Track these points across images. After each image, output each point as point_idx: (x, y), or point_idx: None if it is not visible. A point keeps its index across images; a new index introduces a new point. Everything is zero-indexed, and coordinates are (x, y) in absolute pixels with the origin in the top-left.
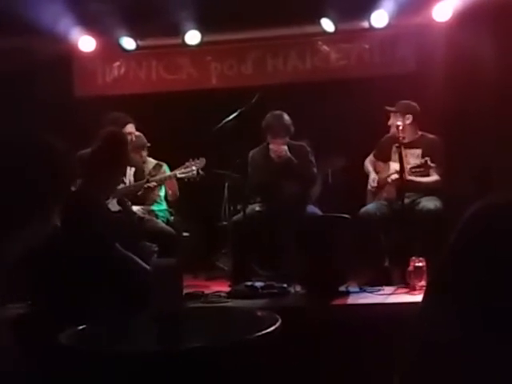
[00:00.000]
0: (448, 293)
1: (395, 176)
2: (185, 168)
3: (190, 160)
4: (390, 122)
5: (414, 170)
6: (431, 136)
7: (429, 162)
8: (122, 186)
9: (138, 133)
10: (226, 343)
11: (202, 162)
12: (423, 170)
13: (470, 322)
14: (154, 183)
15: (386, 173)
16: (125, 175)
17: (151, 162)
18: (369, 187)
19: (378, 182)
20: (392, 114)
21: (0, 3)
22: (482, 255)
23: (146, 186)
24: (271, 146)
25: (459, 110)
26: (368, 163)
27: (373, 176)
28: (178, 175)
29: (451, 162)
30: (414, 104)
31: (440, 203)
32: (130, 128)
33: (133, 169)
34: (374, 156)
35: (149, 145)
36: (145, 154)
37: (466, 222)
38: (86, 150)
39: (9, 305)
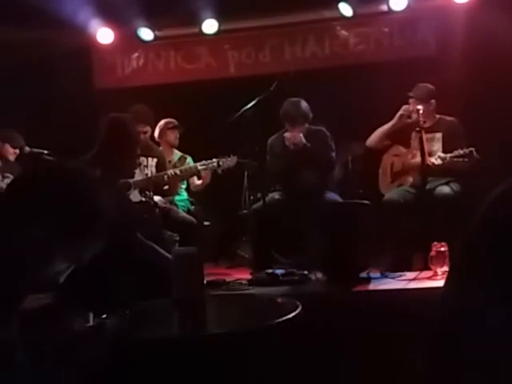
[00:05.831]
0: (472, 275)
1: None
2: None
3: (220, 156)
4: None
5: (456, 160)
6: (450, 118)
7: (474, 153)
8: (142, 177)
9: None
10: (247, 329)
11: (233, 160)
12: (468, 160)
13: (495, 301)
14: (178, 172)
15: (406, 157)
16: (139, 159)
17: (177, 153)
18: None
19: (402, 166)
20: (411, 100)
21: None
22: (505, 237)
23: (165, 177)
24: (286, 135)
25: (480, 92)
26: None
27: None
28: (199, 167)
29: (471, 145)
30: (432, 87)
31: (458, 186)
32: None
33: (155, 160)
34: (392, 140)
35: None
36: (178, 135)
37: (490, 205)
38: None
39: (34, 295)
